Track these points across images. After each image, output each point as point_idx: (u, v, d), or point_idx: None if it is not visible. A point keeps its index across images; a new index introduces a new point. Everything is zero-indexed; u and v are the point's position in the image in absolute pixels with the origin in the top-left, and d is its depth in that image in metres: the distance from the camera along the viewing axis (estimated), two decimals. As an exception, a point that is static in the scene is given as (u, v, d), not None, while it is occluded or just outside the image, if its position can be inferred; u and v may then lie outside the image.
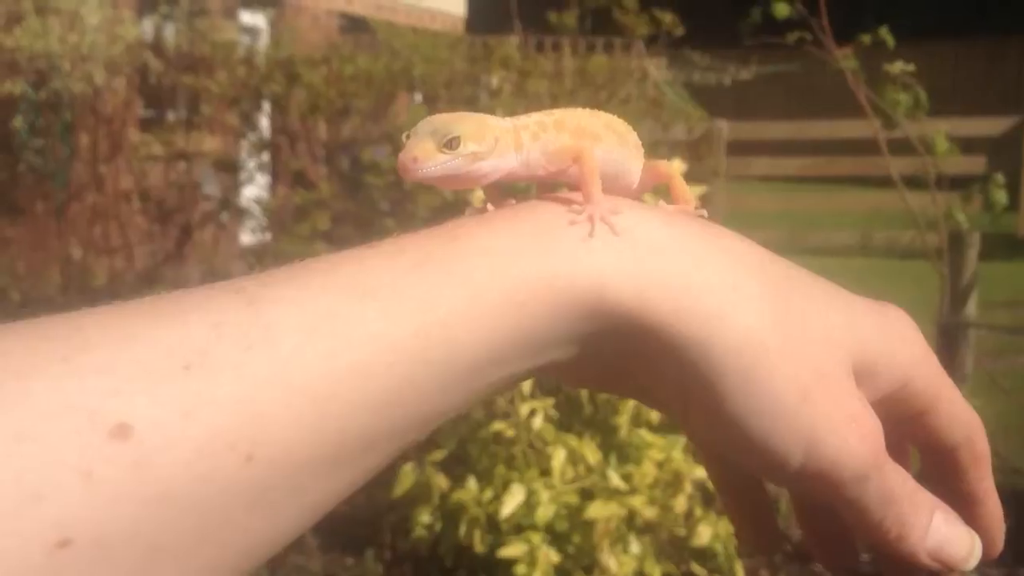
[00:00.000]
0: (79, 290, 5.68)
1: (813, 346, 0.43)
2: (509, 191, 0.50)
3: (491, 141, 0.47)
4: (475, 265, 0.40)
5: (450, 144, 0.46)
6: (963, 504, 0.47)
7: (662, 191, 0.53)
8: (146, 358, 0.35)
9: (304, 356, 0.36)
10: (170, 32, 6.45)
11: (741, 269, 0.43)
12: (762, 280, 0.43)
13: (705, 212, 0.49)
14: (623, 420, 2.66)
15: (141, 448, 0.33)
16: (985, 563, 0.47)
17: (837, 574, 0.52)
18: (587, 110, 0.51)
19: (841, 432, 0.42)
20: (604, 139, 0.50)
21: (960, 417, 0.47)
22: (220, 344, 0.36)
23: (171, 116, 6.59)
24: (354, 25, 9.33)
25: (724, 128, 7.28)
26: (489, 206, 0.47)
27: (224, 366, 0.35)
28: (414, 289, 0.39)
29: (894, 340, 0.45)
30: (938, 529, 0.45)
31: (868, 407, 0.44)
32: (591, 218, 0.43)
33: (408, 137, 0.46)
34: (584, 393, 2.70)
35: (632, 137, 0.52)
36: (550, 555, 2.36)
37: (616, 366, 0.44)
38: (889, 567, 0.47)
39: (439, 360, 0.38)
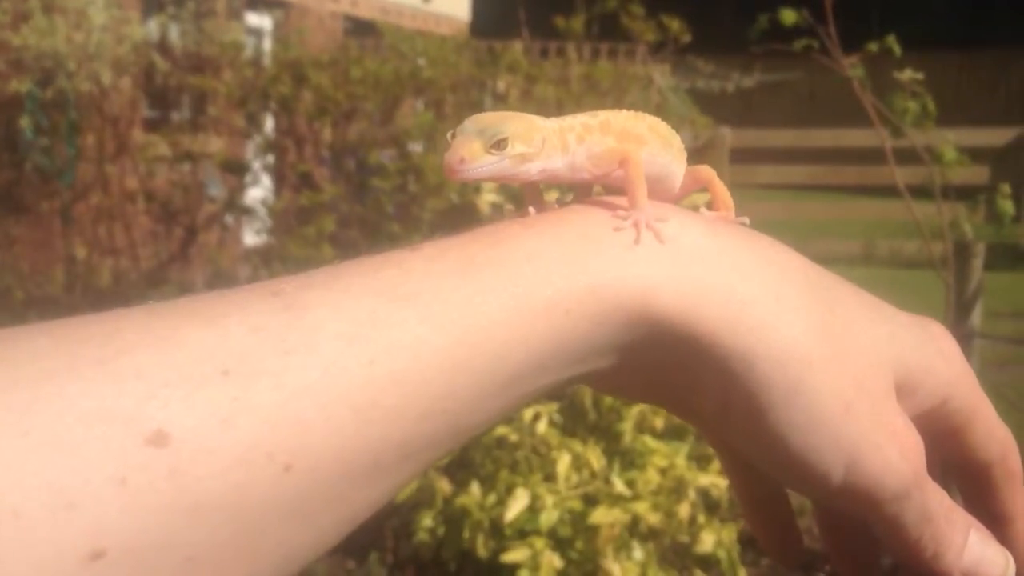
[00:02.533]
0: (83, 290, 5.67)
1: (857, 359, 0.42)
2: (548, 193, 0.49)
3: (539, 142, 0.46)
4: (519, 271, 0.39)
5: (498, 145, 0.44)
6: (996, 522, 0.47)
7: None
8: (184, 362, 0.33)
9: (345, 363, 0.35)
10: (175, 33, 6.46)
11: (785, 280, 0.42)
12: (806, 291, 0.42)
13: (747, 220, 0.48)
14: (627, 426, 2.66)
15: (178, 456, 0.32)
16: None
17: None
18: (631, 112, 0.50)
19: (884, 448, 0.41)
20: (649, 142, 0.49)
21: (995, 435, 0.46)
22: (259, 349, 0.34)
23: (176, 117, 6.59)
24: (358, 28, 9.34)
25: (728, 135, 7.28)
26: (531, 209, 0.45)
27: (263, 372, 0.34)
28: (456, 295, 0.38)
29: (935, 356, 0.45)
30: (973, 548, 0.45)
31: (910, 423, 0.43)
32: (637, 224, 0.42)
33: (453, 136, 0.45)
34: (588, 399, 2.70)
35: (676, 141, 0.51)
36: (553, 560, 2.35)
37: (655, 375, 0.43)
38: None
39: (480, 368, 0.37)
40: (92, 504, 0.31)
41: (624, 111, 0.50)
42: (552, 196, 0.48)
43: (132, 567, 0.31)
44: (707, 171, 0.52)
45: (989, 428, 0.46)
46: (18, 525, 0.30)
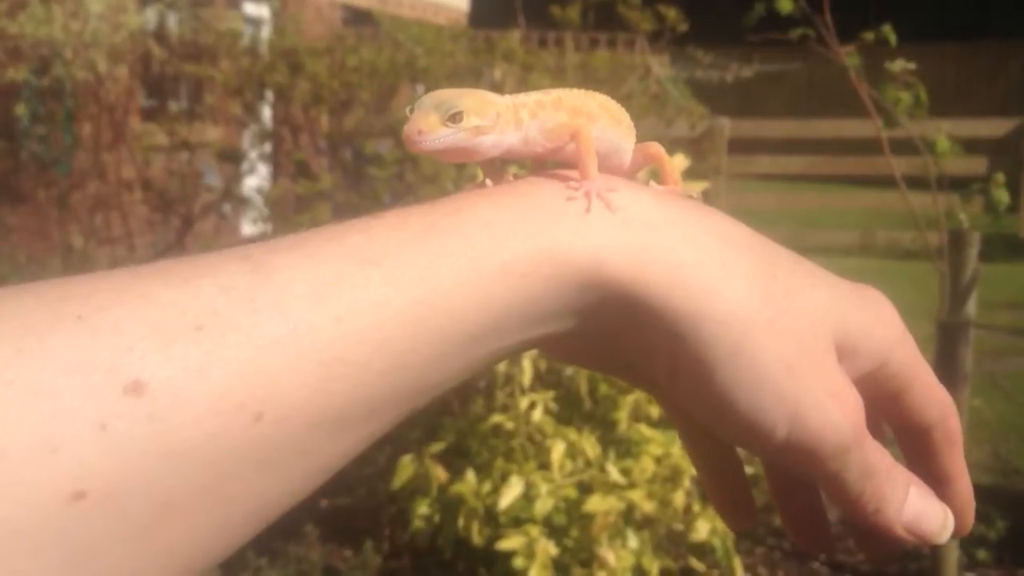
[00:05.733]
0: (79, 278, 5.65)
1: (798, 322, 0.44)
2: (506, 168, 0.51)
3: (493, 116, 0.48)
4: (477, 237, 0.41)
5: (453, 118, 0.47)
6: (937, 482, 0.49)
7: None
8: (159, 318, 0.36)
9: (312, 320, 0.37)
10: (173, 21, 6.43)
11: (729, 247, 0.44)
12: (749, 258, 0.44)
13: (694, 193, 0.50)
14: (623, 415, 2.67)
15: (154, 404, 0.34)
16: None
17: (810, 551, 0.53)
18: (583, 91, 0.53)
19: (825, 406, 0.43)
20: (599, 119, 0.52)
21: (935, 398, 0.48)
22: (230, 307, 0.37)
23: (173, 106, 6.57)
24: (356, 18, 9.32)
25: (726, 126, 7.27)
26: (488, 182, 0.48)
27: (234, 328, 0.36)
28: (418, 259, 0.40)
29: (874, 321, 0.47)
30: (913, 503, 0.47)
31: (850, 383, 0.45)
32: (588, 194, 0.44)
33: (412, 110, 0.47)
34: (584, 387, 2.70)
35: (625, 118, 0.54)
36: (548, 548, 2.36)
37: (607, 340, 0.46)
38: (865, 540, 0.49)
39: (441, 328, 0.40)
40: (74, 448, 0.33)
41: (576, 90, 0.53)
42: (511, 171, 0.51)
43: (112, 509, 0.33)
44: (656, 147, 0.55)
45: (929, 392, 0.48)
46: (3, 467, 0.32)
